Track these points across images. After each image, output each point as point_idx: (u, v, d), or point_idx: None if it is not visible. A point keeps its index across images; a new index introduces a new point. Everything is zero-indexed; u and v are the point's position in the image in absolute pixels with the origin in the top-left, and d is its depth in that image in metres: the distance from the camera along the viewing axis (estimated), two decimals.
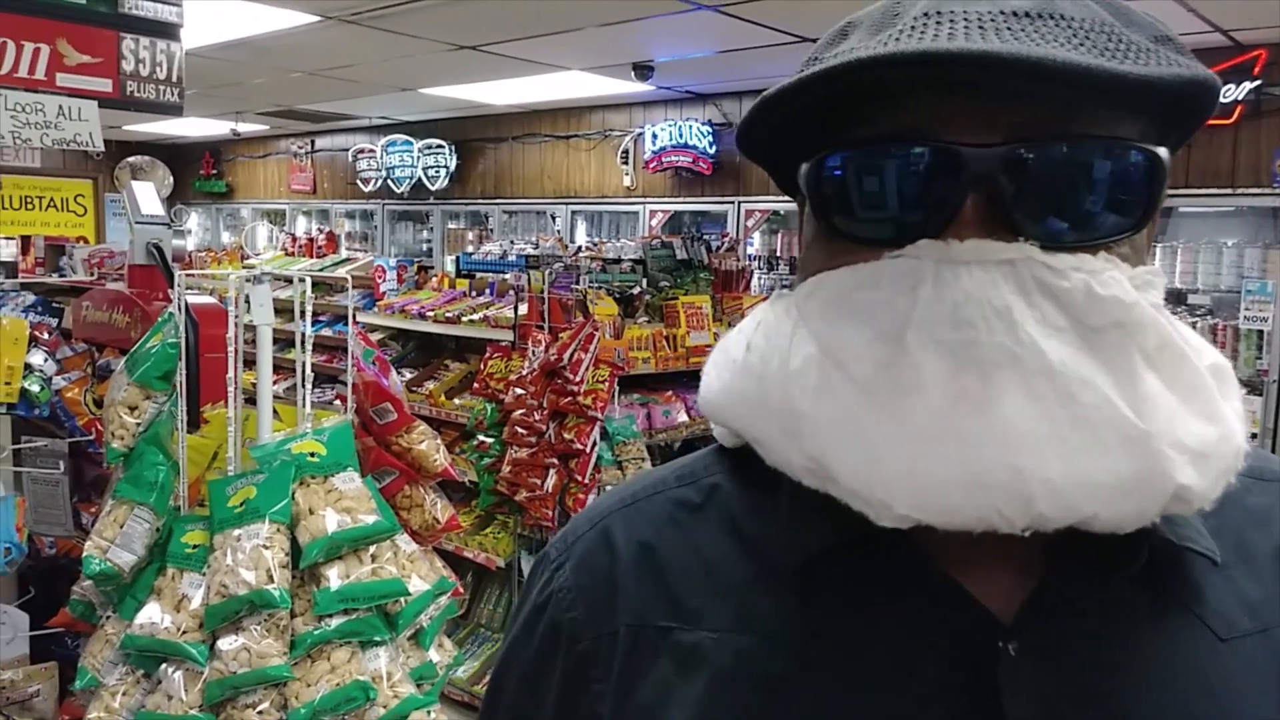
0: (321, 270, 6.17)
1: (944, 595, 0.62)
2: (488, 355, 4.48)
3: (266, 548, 1.98)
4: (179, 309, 2.18)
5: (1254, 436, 5.14)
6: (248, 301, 2.20)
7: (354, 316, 2.36)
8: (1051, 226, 0.58)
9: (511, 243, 6.59)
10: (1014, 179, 0.58)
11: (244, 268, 3.13)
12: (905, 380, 0.56)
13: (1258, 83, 5.31)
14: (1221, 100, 5.42)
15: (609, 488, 3.39)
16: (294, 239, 8.64)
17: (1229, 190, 5.46)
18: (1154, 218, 0.63)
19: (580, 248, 6.20)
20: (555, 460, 4.06)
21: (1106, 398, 0.54)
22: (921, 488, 0.55)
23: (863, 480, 0.57)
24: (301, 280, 2.30)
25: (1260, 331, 5.26)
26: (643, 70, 6.67)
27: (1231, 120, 5.36)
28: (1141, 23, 0.62)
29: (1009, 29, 0.57)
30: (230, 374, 2.13)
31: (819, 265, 0.64)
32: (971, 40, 0.56)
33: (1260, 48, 5.28)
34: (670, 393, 4.64)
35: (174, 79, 3.03)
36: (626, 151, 8.35)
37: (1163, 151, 0.60)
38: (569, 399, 4.03)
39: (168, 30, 3.11)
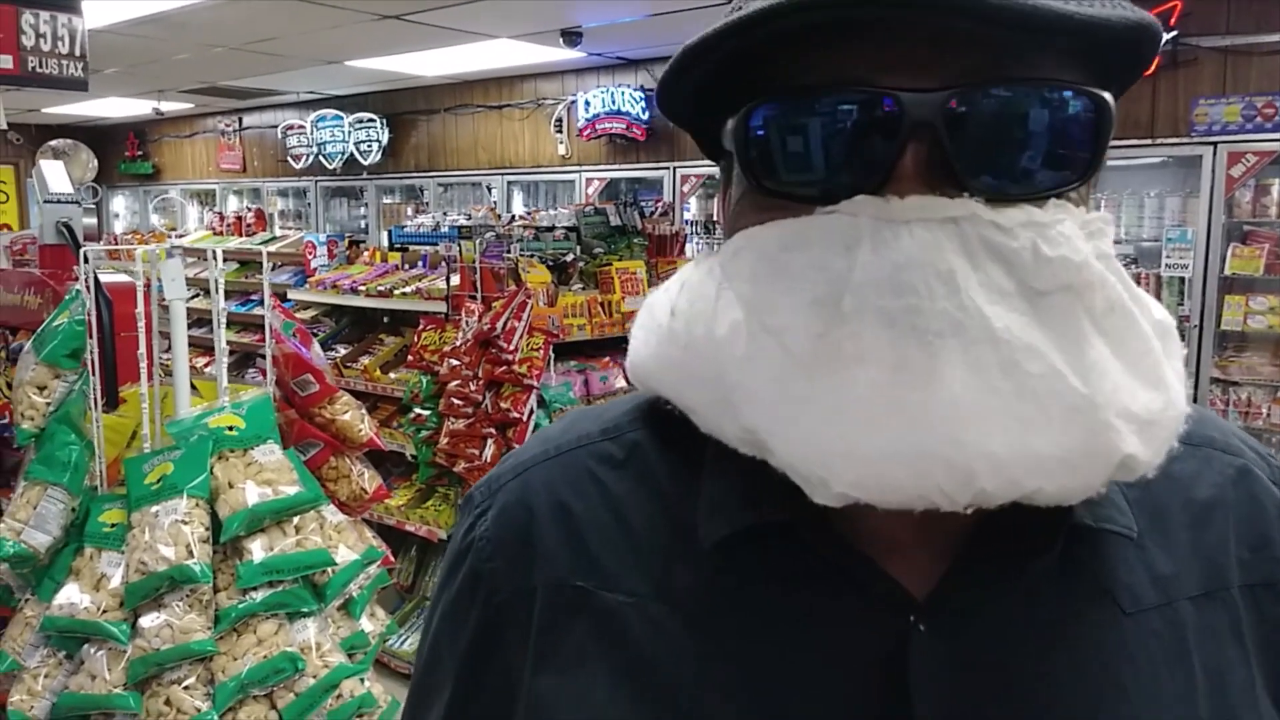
0: (260, 247, 6.07)
1: (861, 574, 0.60)
2: (421, 328, 4.45)
3: (185, 523, 1.96)
4: (87, 286, 2.14)
5: None
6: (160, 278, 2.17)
7: (269, 289, 2.33)
8: (998, 177, 0.55)
9: (444, 214, 6.53)
10: (956, 127, 0.54)
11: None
12: (844, 350, 0.53)
13: (1174, 33, 5.39)
14: None
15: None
16: (221, 218, 8.46)
17: (1149, 141, 5.56)
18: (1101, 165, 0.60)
19: (514, 217, 6.16)
20: (493, 430, 4.05)
21: (1053, 367, 0.52)
22: (861, 464, 0.53)
23: (800, 456, 0.54)
24: (215, 256, 2.27)
25: (1181, 279, 5.38)
26: (571, 37, 6.61)
27: (1150, 71, 5.44)
28: None
29: None
30: (142, 350, 2.10)
31: (747, 222, 0.60)
32: None
33: None
34: (607, 358, 4.64)
35: (77, 54, 2.95)
36: (560, 120, 8.29)
37: (1108, 96, 0.57)
38: (504, 368, 4.02)
39: (69, 4, 3.03)
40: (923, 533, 0.60)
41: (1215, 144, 5.30)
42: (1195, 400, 5.45)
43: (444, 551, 4.70)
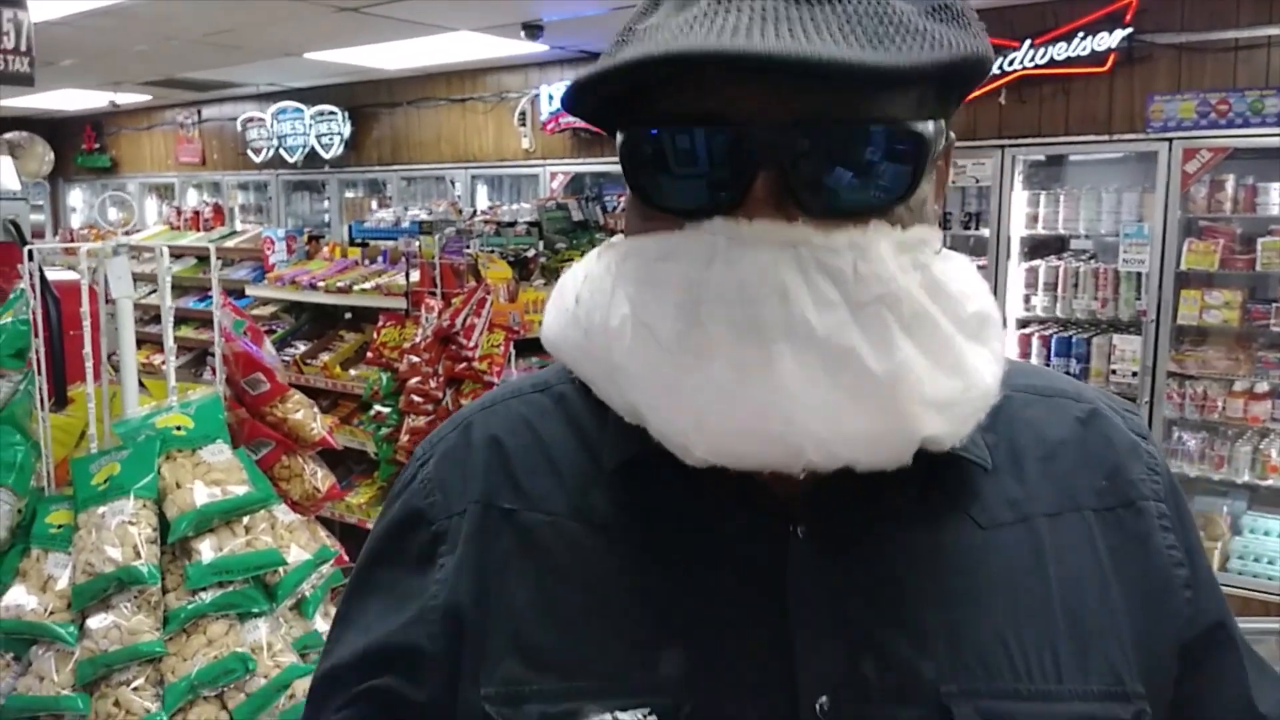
0: (209, 243, 6.00)
1: (746, 490, 0.72)
2: (381, 324, 4.43)
3: (132, 524, 1.95)
4: (32, 285, 2.11)
5: (1134, 374, 5.36)
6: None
7: (219, 286, 2.31)
8: (831, 200, 0.66)
9: (405, 208, 6.48)
10: (796, 158, 0.65)
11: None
12: (700, 347, 0.65)
13: (1129, 30, 5.45)
14: (1095, 49, 5.57)
15: None
16: (179, 212, 8.36)
17: (1106, 137, 5.62)
18: (928, 182, 0.72)
19: (476, 211, 6.13)
20: None
21: (865, 366, 0.64)
22: (713, 438, 0.66)
23: (668, 428, 0.68)
24: (163, 254, 2.24)
25: (1139, 274, 5.44)
26: (532, 30, 6.58)
27: (1106, 68, 5.51)
28: None
29: (788, 18, 0.63)
30: (88, 349, 2.07)
31: (635, 228, 0.74)
32: (751, 37, 0.62)
33: None
34: None
35: (23, 48, 2.90)
36: (523, 113, 8.25)
37: (927, 127, 0.68)
38: (464, 365, 4.01)
39: None
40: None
41: (1171, 140, 5.35)
42: (1152, 394, 5.46)
43: None
